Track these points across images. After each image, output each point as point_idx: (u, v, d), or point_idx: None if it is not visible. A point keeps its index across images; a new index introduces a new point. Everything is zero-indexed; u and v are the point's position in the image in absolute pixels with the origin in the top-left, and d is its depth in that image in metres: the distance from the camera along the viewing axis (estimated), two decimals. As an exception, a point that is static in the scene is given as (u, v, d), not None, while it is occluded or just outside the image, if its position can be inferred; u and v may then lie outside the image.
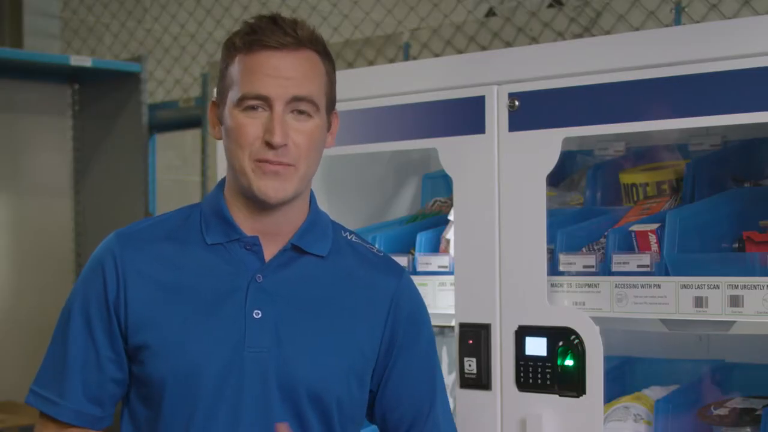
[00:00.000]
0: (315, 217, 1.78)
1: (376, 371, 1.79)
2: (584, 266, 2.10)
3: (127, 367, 1.73)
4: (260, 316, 1.69)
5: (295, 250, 1.75)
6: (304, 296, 1.73)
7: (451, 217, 2.39)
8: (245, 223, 1.73)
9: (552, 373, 2.02)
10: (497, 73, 2.12)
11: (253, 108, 1.67)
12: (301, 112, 1.68)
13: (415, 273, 2.31)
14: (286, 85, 1.66)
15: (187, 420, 1.67)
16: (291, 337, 1.70)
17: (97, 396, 1.73)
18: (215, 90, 1.76)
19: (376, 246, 1.92)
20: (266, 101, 1.66)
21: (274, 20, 1.69)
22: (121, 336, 1.71)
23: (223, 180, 1.78)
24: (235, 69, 1.69)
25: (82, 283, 1.75)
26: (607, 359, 2.05)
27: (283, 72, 1.66)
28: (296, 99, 1.67)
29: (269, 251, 1.73)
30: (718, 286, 1.92)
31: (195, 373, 1.66)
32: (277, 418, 1.68)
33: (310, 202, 1.79)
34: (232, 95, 1.69)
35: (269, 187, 1.67)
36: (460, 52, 3.63)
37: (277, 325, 1.69)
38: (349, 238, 1.84)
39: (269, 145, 1.65)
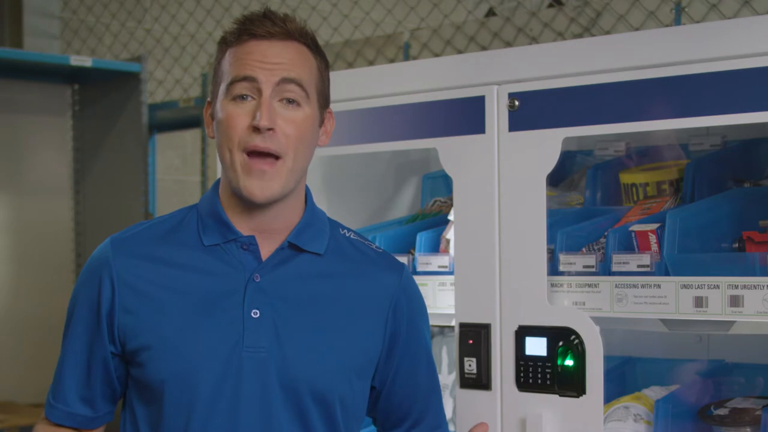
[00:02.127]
0: (311, 215, 1.78)
1: (380, 369, 1.80)
2: (584, 266, 2.10)
3: (122, 369, 1.75)
4: (258, 315, 1.69)
5: (292, 248, 1.74)
6: (302, 294, 1.73)
7: (451, 217, 2.39)
8: (241, 222, 1.73)
9: (552, 373, 2.02)
10: (497, 73, 2.12)
11: (242, 97, 1.66)
12: (290, 101, 1.67)
13: (415, 273, 2.31)
14: (273, 69, 1.66)
15: (186, 420, 1.67)
16: (290, 336, 1.69)
17: (87, 397, 1.76)
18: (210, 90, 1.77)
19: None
20: (254, 84, 1.65)
21: (264, 13, 1.70)
22: (117, 340, 1.72)
23: (218, 181, 1.78)
24: (225, 62, 1.70)
25: (78, 287, 1.77)
26: (607, 359, 2.04)
27: (272, 57, 1.67)
28: (285, 81, 1.66)
29: (266, 250, 1.73)
30: (718, 286, 1.92)
31: (193, 373, 1.66)
32: (280, 418, 1.68)
33: (306, 199, 1.79)
34: (223, 86, 1.69)
35: (255, 186, 1.66)
36: (460, 52, 3.64)
37: (276, 325, 1.69)
38: (347, 235, 1.84)
39: (256, 130, 1.64)
